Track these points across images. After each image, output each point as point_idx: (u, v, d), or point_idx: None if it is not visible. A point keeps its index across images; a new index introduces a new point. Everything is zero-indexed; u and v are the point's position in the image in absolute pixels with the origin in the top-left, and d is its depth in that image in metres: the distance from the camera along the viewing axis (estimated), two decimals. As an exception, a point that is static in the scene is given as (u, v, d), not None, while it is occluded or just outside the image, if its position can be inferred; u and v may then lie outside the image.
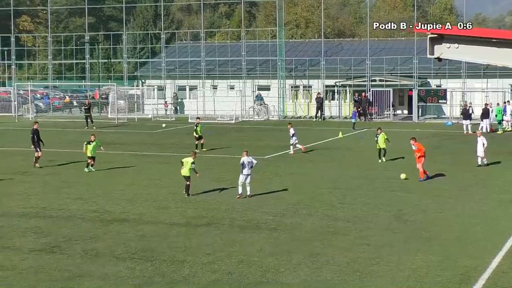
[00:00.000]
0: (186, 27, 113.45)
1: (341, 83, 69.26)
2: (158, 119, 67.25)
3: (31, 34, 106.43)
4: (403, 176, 30.76)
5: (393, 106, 67.78)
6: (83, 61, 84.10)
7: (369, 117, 65.70)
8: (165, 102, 73.69)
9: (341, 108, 68.75)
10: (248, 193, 26.58)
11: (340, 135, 50.74)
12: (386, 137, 36.46)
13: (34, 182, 31.02)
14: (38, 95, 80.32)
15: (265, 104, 70.78)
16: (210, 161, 37.22)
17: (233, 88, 72.20)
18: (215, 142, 46.00)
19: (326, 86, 70.20)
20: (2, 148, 40.52)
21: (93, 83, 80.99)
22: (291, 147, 40.42)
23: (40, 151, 35.68)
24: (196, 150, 35.14)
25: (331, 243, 20.25)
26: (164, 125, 60.64)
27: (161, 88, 75.71)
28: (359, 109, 63.76)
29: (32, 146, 35.97)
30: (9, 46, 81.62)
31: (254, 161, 26.63)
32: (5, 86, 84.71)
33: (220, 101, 69.80)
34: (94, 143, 33.47)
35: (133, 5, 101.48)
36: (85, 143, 33.57)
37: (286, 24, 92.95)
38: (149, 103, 73.61)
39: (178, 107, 74.75)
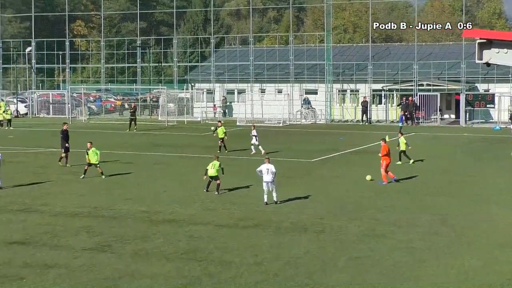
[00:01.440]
0: (235, 31, 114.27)
1: (388, 87, 69.15)
2: (207, 122, 67.91)
3: (85, 38, 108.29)
4: (368, 177, 31.42)
5: (440, 110, 67.41)
6: (134, 65, 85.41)
7: (416, 121, 65.47)
8: (214, 105, 74.38)
9: (387, 112, 68.66)
10: (275, 199, 26.32)
11: (387, 139, 50.60)
12: (405, 142, 37.43)
13: (85, 182, 31.75)
14: (91, 98, 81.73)
15: (312, 108, 71.00)
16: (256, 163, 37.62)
17: (281, 92, 72.58)
18: (263, 145, 46.32)
19: (373, 90, 70.20)
20: (56, 149, 41.45)
21: (144, 87, 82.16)
22: (252, 147, 42.20)
23: (65, 152, 36.63)
24: (218, 152, 36.48)
25: (376, 246, 20.46)
26: (213, 128, 61.13)
27: (210, 92, 76.47)
28: (405, 113, 63.61)
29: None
30: (64, 50, 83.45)
31: (274, 169, 26.13)
32: (60, 89, 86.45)
33: (268, 104, 70.22)
34: (91, 151, 32.72)
35: (183, 10, 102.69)
36: (86, 151, 33.02)
37: (334, 28, 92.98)
38: (198, 106, 74.37)
39: (226, 110, 75.40)
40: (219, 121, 46.97)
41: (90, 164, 32.63)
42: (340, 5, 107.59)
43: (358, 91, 71.67)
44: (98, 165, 32.70)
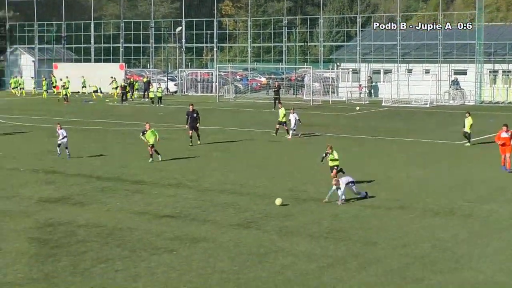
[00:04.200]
0: (382, 10, 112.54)
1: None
2: (352, 102, 67.50)
3: (232, 18, 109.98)
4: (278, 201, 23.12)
5: None
6: (280, 44, 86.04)
7: None
8: (360, 85, 73.79)
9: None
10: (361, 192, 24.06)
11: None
12: (471, 123, 36.12)
13: (230, 159, 32.36)
14: (238, 77, 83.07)
15: (461, 89, 69.04)
16: (398, 144, 37.21)
17: (428, 72, 70.97)
18: (408, 126, 45.69)
19: (528, 71, 67.37)
20: (204, 127, 42.48)
21: (289, 66, 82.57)
22: (290, 131, 40.05)
23: (194, 130, 36.02)
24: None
25: (528, 232, 19.73)
26: (358, 108, 60.85)
27: (355, 72, 75.88)
28: None
29: (187, 126, 36.54)
30: (212, 30, 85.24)
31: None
32: (208, 68, 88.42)
33: (415, 85, 68.89)
34: (149, 132, 31.08)
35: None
36: (141, 133, 31.67)
37: (485, 7, 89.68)
38: (343, 86, 73.97)
39: (372, 91, 74.63)
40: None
41: (151, 146, 31.16)
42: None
43: (511, 71, 68.96)
44: (154, 146, 31.12)
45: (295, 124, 39.99)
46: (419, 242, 18.61)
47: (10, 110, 58.13)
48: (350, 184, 23.44)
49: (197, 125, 36.45)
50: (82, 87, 74.79)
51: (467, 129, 36.28)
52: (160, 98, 64.67)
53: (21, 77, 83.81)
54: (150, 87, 69.13)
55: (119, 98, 68.76)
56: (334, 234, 19.44)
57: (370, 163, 31.46)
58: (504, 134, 29.30)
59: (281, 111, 40.18)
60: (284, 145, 37.61)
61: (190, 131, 36.18)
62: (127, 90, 69.50)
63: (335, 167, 25.82)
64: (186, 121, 36.74)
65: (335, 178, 23.45)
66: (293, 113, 40.09)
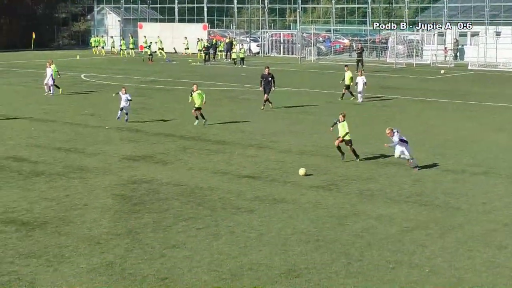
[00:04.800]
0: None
1: None
2: (436, 65, 66.21)
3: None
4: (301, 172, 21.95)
5: None
6: (364, 5, 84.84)
7: None
8: (445, 48, 72.21)
9: None
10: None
11: None
12: None
13: (312, 121, 32.24)
14: (321, 39, 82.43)
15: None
16: (484, 108, 36.39)
17: (518, 35, 68.87)
18: (494, 91, 44.65)
19: None
20: (286, 88, 42.45)
21: (373, 28, 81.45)
22: (359, 95, 39.23)
23: (267, 94, 35.04)
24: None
25: None
26: (442, 71, 59.70)
27: (441, 34, 74.23)
28: None
29: (261, 88, 35.76)
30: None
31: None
32: (290, 29, 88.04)
33: (503, 48, 66.97)
34: (196, 93, 30.15)
35: None
36: (190, 94, 30.71)
37: None
38: (428, 49, 72.53)
39: (458, 54, 72.97)
40: (346, 65, 41.87)
41: (197, 108, 30.32)
42: None
43: None
44: (200, 109, 30.29)
45: (362, 87, 39.12)
46: (503, 209, 18.24)
47: (94, 68, 59.30)
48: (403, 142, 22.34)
49: (272, 89, 35.41)
50: (159, 48, 74.67)
51: None
52: (242, 59, 64.85)
53: (103, 36, 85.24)
54: (233, 48, 69.31)
55: (202, 58, 69.28)
56: (415, 198, 19.23)
57: (454, 128, 30.90)
58: None
59: (348, 74, 39.44)
60: (362, 107, 37.24)
61: (266, 95, 35.22)
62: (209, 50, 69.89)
63: (341, 138, 23.53)
64: (260, 83, 35.93)
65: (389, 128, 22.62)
66: (361, 75, 39.40)
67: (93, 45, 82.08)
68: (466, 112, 36.04)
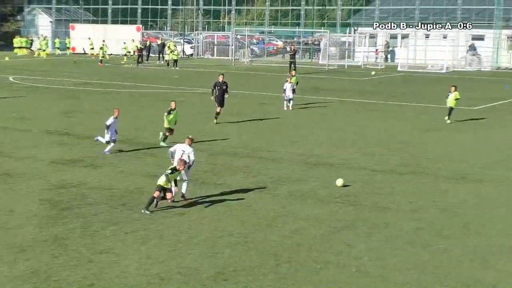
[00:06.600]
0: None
1: None
2: (368, 66, 67.11)
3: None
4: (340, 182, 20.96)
5: None
6: (298, 7, 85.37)
7: None
8: (376, 50, 73.28)
9: None
10: (182, 190, 19.10)
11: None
12: (458, 97, 32.89)
13: (243, 123, 32.28)
14: (254, 40, 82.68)
15: (478, 54, 68.43)
16: (413, 109, 37.05)
17: (446, 38, 70.30)
18: (423, 91, 45.50)
19: (546, 37, 66.59)
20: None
21: (306, 30, 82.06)
22: (285, 102, 37.03)
23: (221, 107, 32.23)
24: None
25: (540, 199, 19.68)
26: (373, 72, 60.55)
27: (373, 36, 75.29)
28: None
29: (212, 97, 32.57)
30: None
31: (192, 157, 19.08)
32: (224, 31, 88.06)
33: (432, 50, 68.34)
34: (174, 112, 26.56)
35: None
36: (166, 113, 26.56)
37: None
38: (360, 51, 73.51)
39: (389, 56, 74.11)
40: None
41: (171, 130, 26.64)
42: None
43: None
44: (171, 129, 26.70)
45: (291, 94, 37.00)
46: (429, 208, 18.60)
47: (24, 70, 58.25)
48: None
49: (225, 98, 32.46)
50: (90, 48, 74.49)
51: (450, 103, 33.03)
52: (175, 61, 64.57)
53: (28, 37, 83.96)
54: (169, 49, 68.93)
55: (135, 60, 68.75)
56: (344, 198, 19.45)
57: (383, 128, 31.37)
58: None
59: (295, 79, 38.11)
60: (299, 109, 37.49)
61: (219, 108, 32.34)
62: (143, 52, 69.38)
63: None
64: (212, 92, 32.77)
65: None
66: (291, 80, 37.58)
67: (15, 45, 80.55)
68: (395, 113, 36.62)
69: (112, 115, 25.11)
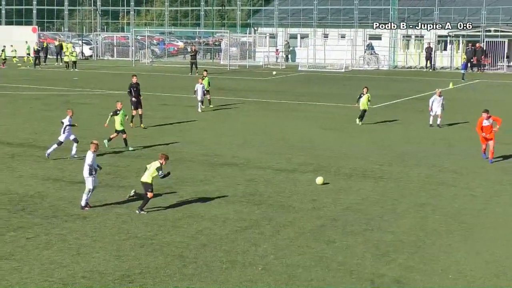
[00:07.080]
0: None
1: (454, 33, 67.61)
2: (269, 66, 67.68)
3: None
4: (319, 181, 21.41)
5: (507, 57, 65.74)
6: (198, 8, 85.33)
7: (482, 68, 64.35)
8: (276, 50, 74.01)
9: (453, 58, 67.39)
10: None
11: (451, 86, 49.96)
12: (369, 99, 32.54)
13: (147, 125, 32.00)
14: (155, 41, 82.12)
15: (375, 53, 70.09)
16: (314, 108, 37.55)
17: (344, 37, 71.73)
18: (323, 91, 46.15)
19: (439, 36, 68.70)
20: (117, 92, 41.92)
21: (207, 30, 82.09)
22: (199, 104, 36.60)
23: (137, 109, 31.33)
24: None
25: (438, 193, 20.27)
26: (274, 72, 61.12)
27: (273, 36, 76.02)
28: (471, 60, 62.74)
29: (134, 99, 31.42)
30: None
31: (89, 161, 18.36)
32: (124, 32, 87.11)
33: (331, 50, 69.56)
34: (121, 112, 26.16)
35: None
36: (110, 114, 26.44)
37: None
38: (260, 51, 74.09)
39: (289, 55, 74.97)
40: (205, 70, 39.63)
41: (123, 131, 26.27)
42: None
43: (423, 37, 70.29)
44: (121, 131, 26.27)
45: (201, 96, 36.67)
46: (331, 205, 18.89)
47: None
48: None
49: (141, 98, 31.72)
50: None
51: (363, 106, 32.30)
52: (74, 62, 63.43)
53: None
54: (67, 50, 67.61)
55: (32, 62, 67.15)
56: (248, 198, 19.54)
57: (285, 128, 31.68)
58: (486, 122, 24.63)
59: (206, 80, 37.56)
60: (203, 112, 37.46)
61: (134, 111, 31.29)
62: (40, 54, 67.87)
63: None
64: (129, 93, 31.66)
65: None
66: (201, 84, 36.78)
67: None
68: (298, 112, 37.04)
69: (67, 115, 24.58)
